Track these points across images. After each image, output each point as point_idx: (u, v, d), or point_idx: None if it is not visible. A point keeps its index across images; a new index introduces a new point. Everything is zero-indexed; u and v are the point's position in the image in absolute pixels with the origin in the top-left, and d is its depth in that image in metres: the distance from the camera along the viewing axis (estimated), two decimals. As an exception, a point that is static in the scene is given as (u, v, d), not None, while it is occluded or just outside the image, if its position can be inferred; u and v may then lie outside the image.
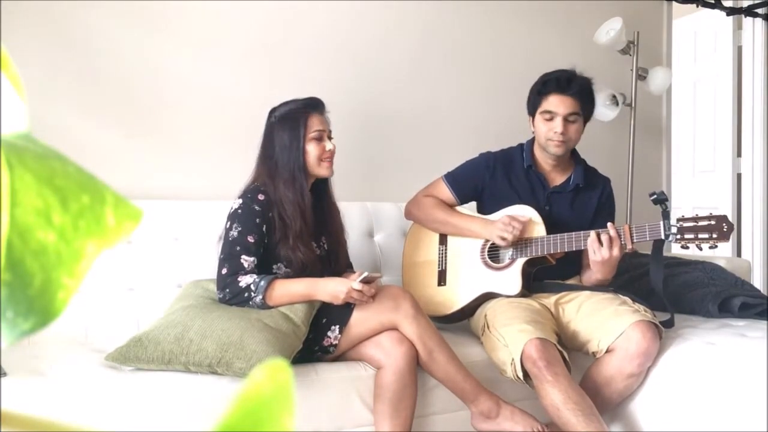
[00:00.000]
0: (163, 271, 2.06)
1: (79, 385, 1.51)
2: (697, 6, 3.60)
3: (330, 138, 1.92)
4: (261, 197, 1.81)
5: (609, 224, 1.90)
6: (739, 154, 4.04)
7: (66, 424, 0.26)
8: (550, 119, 2.02)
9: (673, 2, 3.51)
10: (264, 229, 1.80)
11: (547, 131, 2.02)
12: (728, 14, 3.86)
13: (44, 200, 0.25)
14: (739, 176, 4.04)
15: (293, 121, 1.87)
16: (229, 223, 1.81)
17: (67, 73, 2.16)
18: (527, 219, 1.99)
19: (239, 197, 1.84)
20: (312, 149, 1.86)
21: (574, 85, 2.01)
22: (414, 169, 2.60)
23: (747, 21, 3.98)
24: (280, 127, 1.88)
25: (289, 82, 2.50)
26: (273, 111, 1.93)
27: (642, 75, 3.13)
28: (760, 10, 3.87)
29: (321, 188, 1.97)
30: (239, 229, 1.77)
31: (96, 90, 2.21)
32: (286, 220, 1.81)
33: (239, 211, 1.80)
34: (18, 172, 0.25)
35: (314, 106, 1.90)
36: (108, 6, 2.22)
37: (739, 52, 4.02)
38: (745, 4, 3.90)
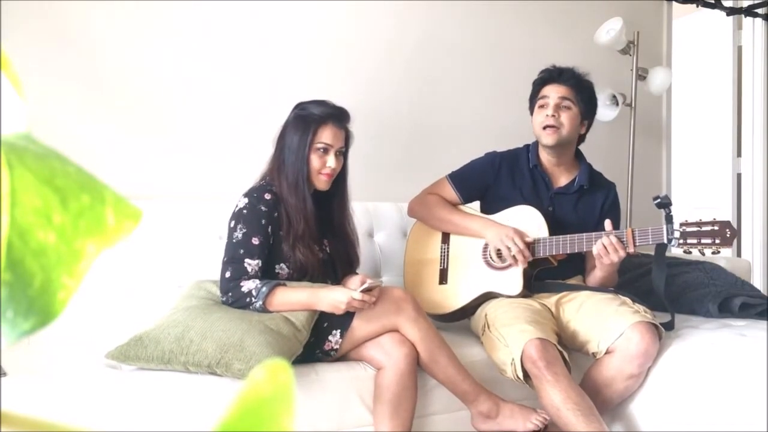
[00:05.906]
0: (163, 271, 2.05)
1: (79, 385, 1.51)
2: (697, 6, 3.60)
3: (340, 154, 1.85)
4: (267, 196, 1.78)
5: (607, 222, 1.90)
6: (739, 154, 4.04)
7: (66, 424, 0.26)
8: (543, 105, 2.07)
9: (673, 2, 3.51)
10: (269, 229, 1.77)
11: (542, 120, 2.05)
12: (728, 14, 3.85)
13: (44, 200, 0.25)
14: (739, 176, 4.03)
15: (305, 127, 1.81)
16: (233, 222, 1.76)
17: (67, 73, 2.16)
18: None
19: (245, 195, 1.80)
20: (314, 160, 1.81)
21: (566, 75, 2.09)
22: (414, 170, 2.60)
23: (747, 21, 3.98)
24: (293, 127, 1.83)
25: (289, 83, 2.50)
26: (297, 106, 1.87)
27: (642, 75, 3.13)
28: (760, 10, 3.87)
29: (333, 191, 1.91)
30: (244, 230, 1.74)
31: (96, 89, 2.21)
32: (292, 221, 1.78)
33: (244, 211, 1.76)
34: (18, 172, 0.25)
35: (332, 116, 1.83)
36: (107, 5, 2.22)
37: (739, 52, 4.02)
38: (745, 4, 3.89)
